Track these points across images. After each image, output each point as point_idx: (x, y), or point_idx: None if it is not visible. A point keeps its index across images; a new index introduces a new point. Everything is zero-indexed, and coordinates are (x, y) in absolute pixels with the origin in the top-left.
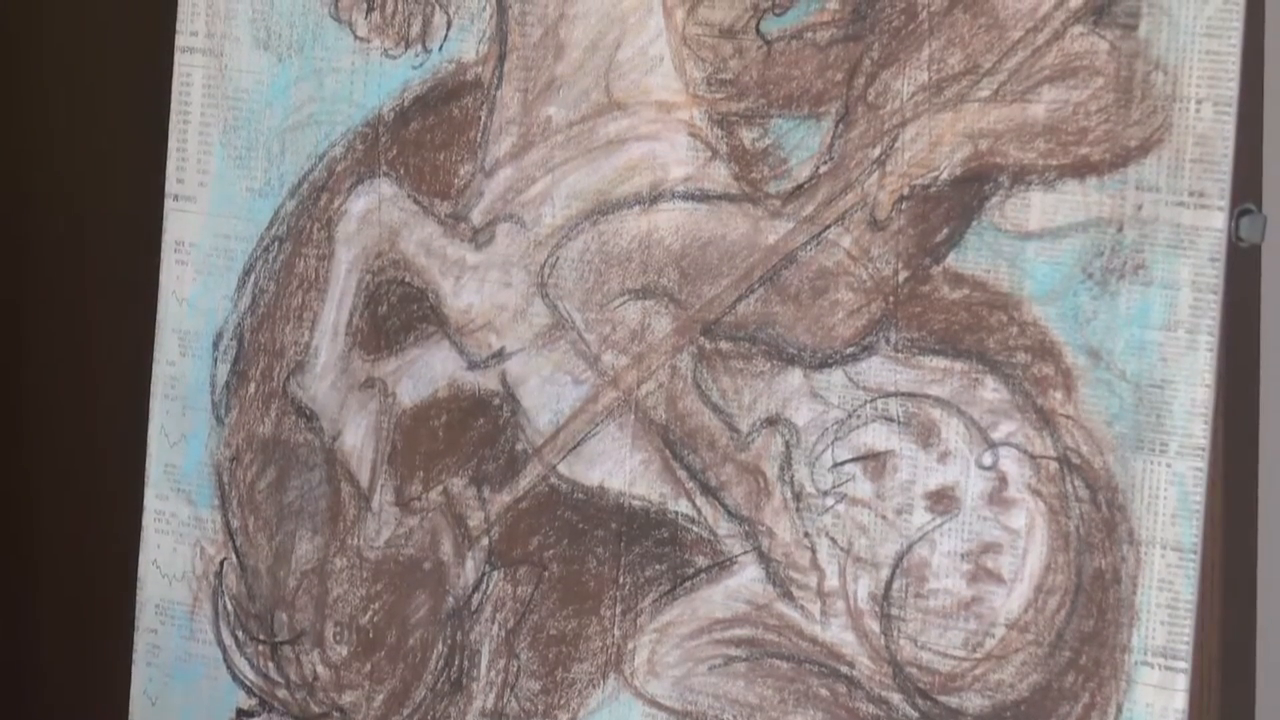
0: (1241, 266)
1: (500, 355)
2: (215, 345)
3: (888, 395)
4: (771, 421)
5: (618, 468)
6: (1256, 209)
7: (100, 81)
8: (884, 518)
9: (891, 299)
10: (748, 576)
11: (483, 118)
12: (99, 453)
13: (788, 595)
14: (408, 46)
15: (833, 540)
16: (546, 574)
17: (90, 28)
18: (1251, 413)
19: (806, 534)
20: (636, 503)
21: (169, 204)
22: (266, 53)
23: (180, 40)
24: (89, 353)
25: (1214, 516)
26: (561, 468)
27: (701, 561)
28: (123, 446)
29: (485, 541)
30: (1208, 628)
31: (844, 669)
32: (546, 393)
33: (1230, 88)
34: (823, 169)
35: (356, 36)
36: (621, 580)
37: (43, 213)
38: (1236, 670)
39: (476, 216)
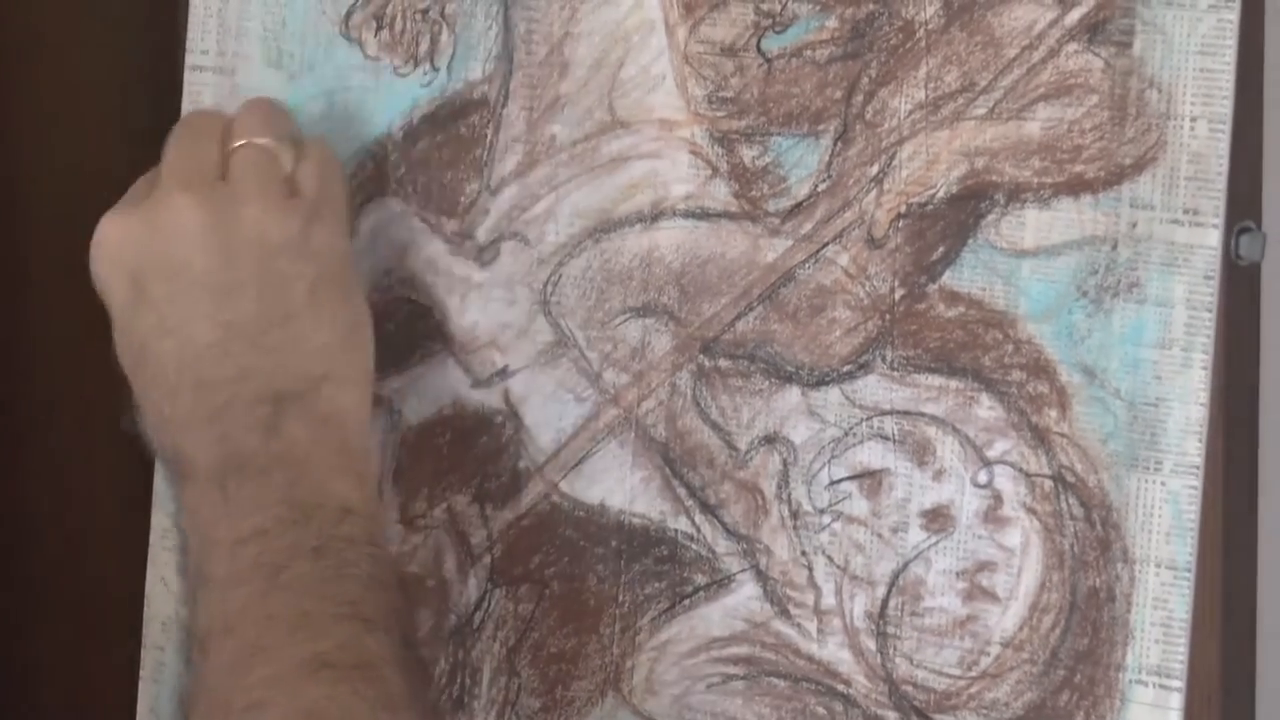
0: (1240, 283)
1: (504, 373)
2: None
3: (883, 413)
4: (769, 439)
5: (618, 485)
6: (1256, 226)
7: (109, 101)
8: (880, 536)
9: (888, 317)
10: (745, 594)
11: (489, 136)
12: (105, 469)
13: (785, 613)
14: (416, 65)
15: (829, 558)
16: (547, 592)
17: (99, 46)
18: (1251, 430)
19: (803, 552)
20: (636, 520)
21: None
22: (278, 71)
23: (191, 59)
24: (95, 372)
25: (1213, 534)
26: (563, 485)
27: (700, 579)
28: (129, 463)
29: (487, 559)
30: (1207, 645)
31: (840, 687)
32: (549, 410)
33: (1225, 105)
34: (821, 187)
35: (366, 55)
36: (621, 598)
37: (49, 232)
38: (1236, 688)
39: (482, 234)
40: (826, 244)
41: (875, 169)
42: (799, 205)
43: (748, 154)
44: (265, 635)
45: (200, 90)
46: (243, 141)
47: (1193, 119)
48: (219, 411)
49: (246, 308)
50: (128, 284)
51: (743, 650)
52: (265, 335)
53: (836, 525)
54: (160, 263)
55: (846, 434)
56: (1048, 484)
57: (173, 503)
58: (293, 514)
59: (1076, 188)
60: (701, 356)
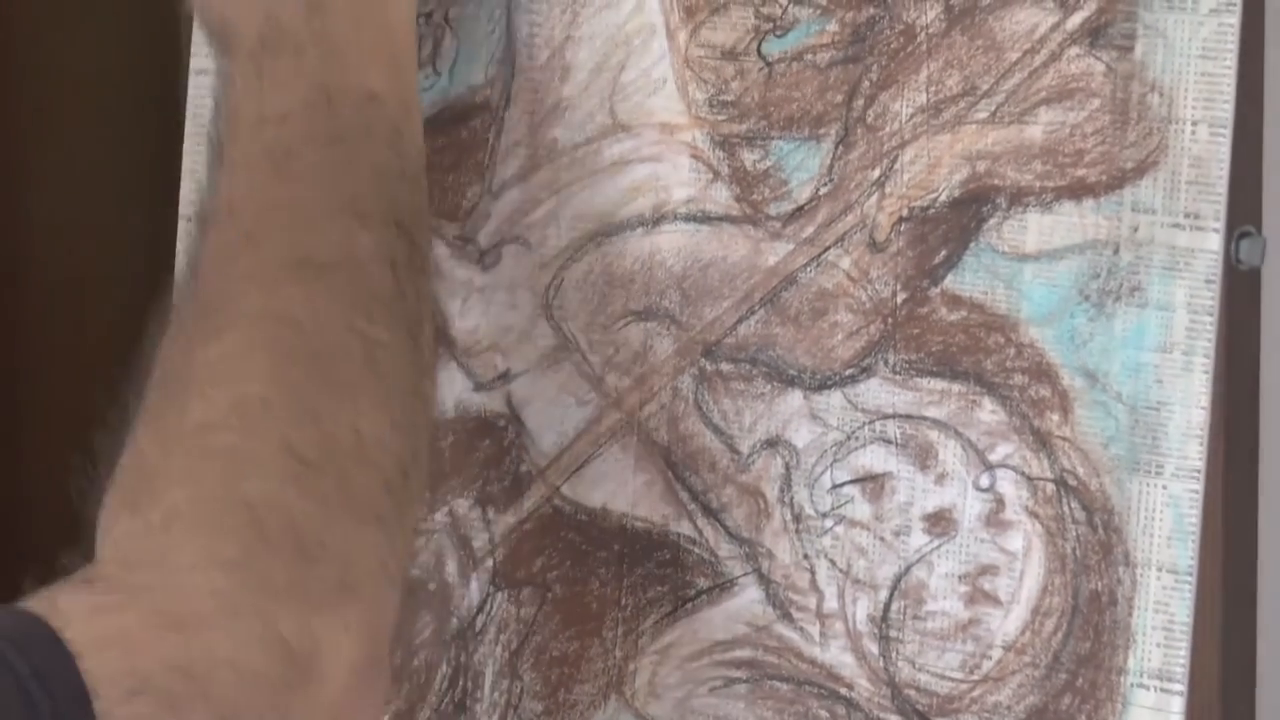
0: (1241, 288)
1: (505, 377)
2: None
3: (886, 417)
4: (771, 443)
5: (620, 489)
6: (1256, 231)
7: (113, 103)
8: (882, 539)
9: (890, 320)
10: (748, 598)
11: (490, 139)
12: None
13: (787, 617)
14: (419, 69)
15: (831, 562)
16: (550, 595)
17: (100, 47)
18: (1251, 434)
19: (806, 555)
20: (639, 524)
21: (182, 226)
22: None
23: (195, 63)
24: (99, 376)
25: (1214, 538)
26: (565, 489)
27: (703, 583)
28: None
29: (490, 563)
30: (1208, 649)
31: (843, 690)
32: (551, 414)
33: (1225, 109)
34: (822, 191)
35: None
36: (624, 601)
37: (49, 232)
38: (1237, 692)
39: (484, 238)
40: (828, 248)
41: (877, 173)
42: (800, 209)
43: (749, 158)
44: (258, 224)
45: (204, 94)
46: None
47: (1194, 123)
48: None
49: None
50: None
51: (745, 654)
52: None
53: (839, 529)
54: None
55: (849, 438)
56: (1050, 488)
57: (216, 76)
58: (319, 97)
59: (1078, 191)
60: (703, 360)
